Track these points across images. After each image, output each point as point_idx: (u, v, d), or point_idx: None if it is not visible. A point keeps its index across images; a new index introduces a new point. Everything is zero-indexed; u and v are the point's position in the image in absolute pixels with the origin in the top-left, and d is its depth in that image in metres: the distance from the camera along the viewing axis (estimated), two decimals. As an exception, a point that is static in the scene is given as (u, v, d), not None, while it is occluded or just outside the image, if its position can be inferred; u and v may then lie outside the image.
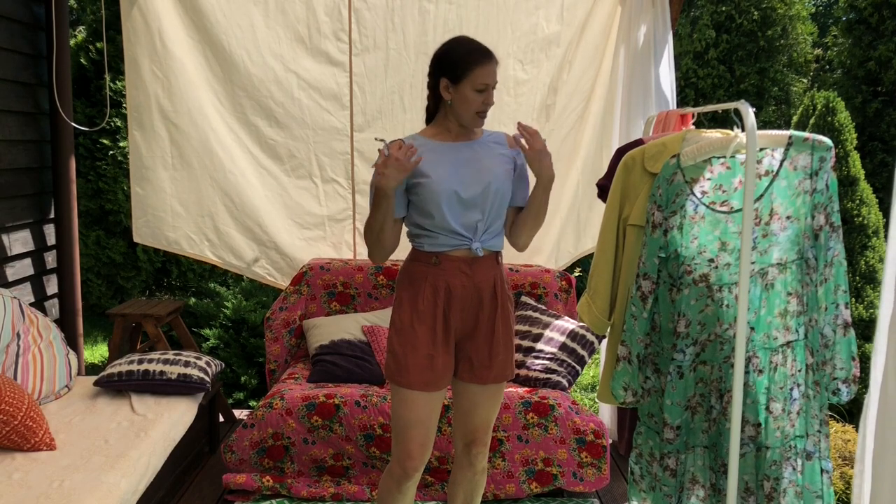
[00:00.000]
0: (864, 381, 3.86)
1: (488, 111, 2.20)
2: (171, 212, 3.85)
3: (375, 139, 2.25)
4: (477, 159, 2.22)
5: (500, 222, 2.27)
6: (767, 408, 2.20)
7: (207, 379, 3.19)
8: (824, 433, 2.25)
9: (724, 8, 7.73)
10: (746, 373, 2.19)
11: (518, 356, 3.45)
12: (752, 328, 2.19)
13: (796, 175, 2.19)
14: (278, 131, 3.88)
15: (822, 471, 2.24)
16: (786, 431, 2.20)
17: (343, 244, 4.06)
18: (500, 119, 3.89)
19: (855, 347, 2.23)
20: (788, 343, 2.21)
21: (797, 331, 2.22)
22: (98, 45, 6.02)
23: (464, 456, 2.39)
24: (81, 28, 6.71)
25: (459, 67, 2.12)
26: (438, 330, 2.21)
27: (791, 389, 2.20)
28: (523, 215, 2.31)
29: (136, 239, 3.89)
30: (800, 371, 2.22)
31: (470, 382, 2.31)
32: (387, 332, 3.14)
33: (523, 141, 2.18)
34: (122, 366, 3.12)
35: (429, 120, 2.30)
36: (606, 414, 3.80)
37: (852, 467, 3.10)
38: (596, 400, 4.47)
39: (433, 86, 2.21)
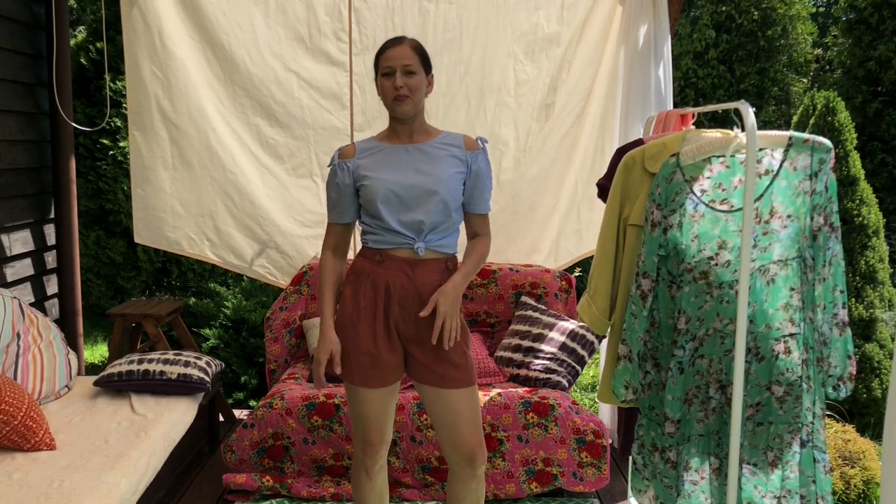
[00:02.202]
0: (864, 380, 3.86)
1: (411, 98, 2.16)
2: (171, 212, 3.86)
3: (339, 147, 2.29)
4: (425, 161, 2.21)
5: (450, 225, 2.24)
6: (768, 388, 2.21)
7: (207, 379, 3.19)
8: (818, 425, 2.26)
9: (724, 8, 7.73)
10: (748, 362, 2.21)
11: (518, 356, 3.45)
12: (752, 321, 2.20)
13: (796, 175, 2.19)
14: (279, 131, 3.89)
15: (814, 460, 2.25)
16: (792, 412, 2.21)
17: None
18: (501, 119, 3.89)
19: (851, 346, 2.24)
20: (792, 335, 2.22)
21: (799, 325, 2.23)
22: (98, 45, 6.02)
23: (465, 470, 2.30)
24: (81, 28, 6.71)
25: (375, 62, 2.22)
26: (379, 328, 2.21)
27: (798, 377, 2.21)
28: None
29: (136, 239, 3.89)
30: (801, 363, 2.23)
31: (427, 385, 2.27)
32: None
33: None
34: (122, 366, 3.12)
35: None
36: (606, 414, 3.80)
37: (852, 467, 3.11)
38: (596, 400, 4.47)
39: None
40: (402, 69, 2.14)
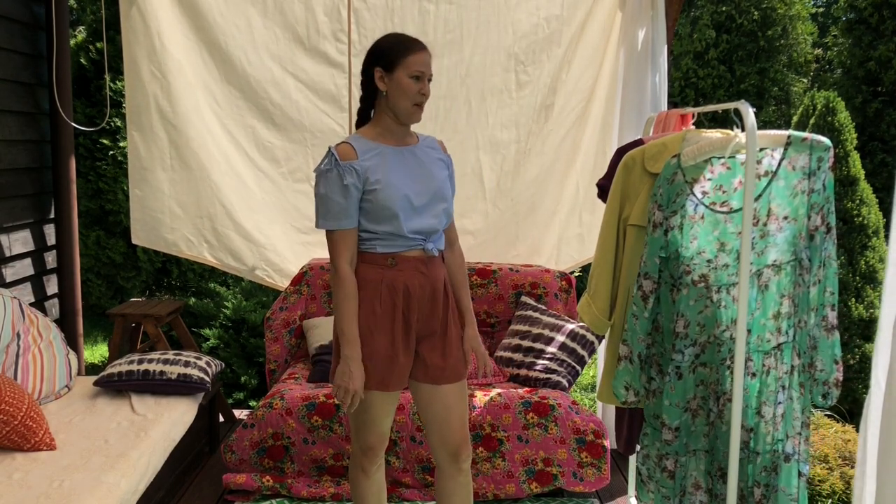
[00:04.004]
0: (864, 380, 3.86)
1: (424, 105, 2.19)
2: (169, 213, 3.81)
3: (330, 147, 2.18)
4: (422, 164, 2.22)
5: (447, 225, 2.30)
6: (759, 412, 2.20)
7: (207, 379, 3.19)
8: (805, 436, 2.23)
9: (724, 8, 7.73)
10: None
11: (518, 356, 3.45)
12: (748, 330, 2.19)
13: (795, 175, 2.18)
14: (276, 133, 3.84)
15: (798, 473, 2.23)
16: (775, 436, 2.20)
17: None
18: (503, 122, 3.87)
19: (839, 350, 2.21)
20: (779, 345, 2.21)
21: (787, 332, 2.21)
22: (98, 45, 6.02)
23: (452, 465, 2.34)
24: (81, 28, 6.71)
25: (393, 54, 2.12)
26: (398, 332, 2.19)
27: (778, 392, 2.20)
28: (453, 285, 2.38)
29: (134, 241, 3.86)
30: (786, 373, 2.22)
31: (426, 383, 2.28)
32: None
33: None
34: (122, 366, 3.12)
35: (361, 122, 2.28)
36: (604, 414, 3.80)
37: (852, 467, 3.10)
38: (596, 400, 4.46)
39: (367, 80, 2.18)
40: (428, 77, 2.16)
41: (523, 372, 3.38)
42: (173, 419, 2.91)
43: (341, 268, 2.14)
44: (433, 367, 2.26)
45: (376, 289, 2.17)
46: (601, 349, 3.62)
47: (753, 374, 2.20)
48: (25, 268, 3.65)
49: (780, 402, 2.20)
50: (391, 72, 2.13)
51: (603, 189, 2.65)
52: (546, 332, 3.48)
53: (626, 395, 2.36)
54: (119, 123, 6.00)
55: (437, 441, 2.32)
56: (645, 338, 2.31)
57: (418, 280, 2.19)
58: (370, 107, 2.24)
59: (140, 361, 3.15)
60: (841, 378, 2.23)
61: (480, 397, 3.13)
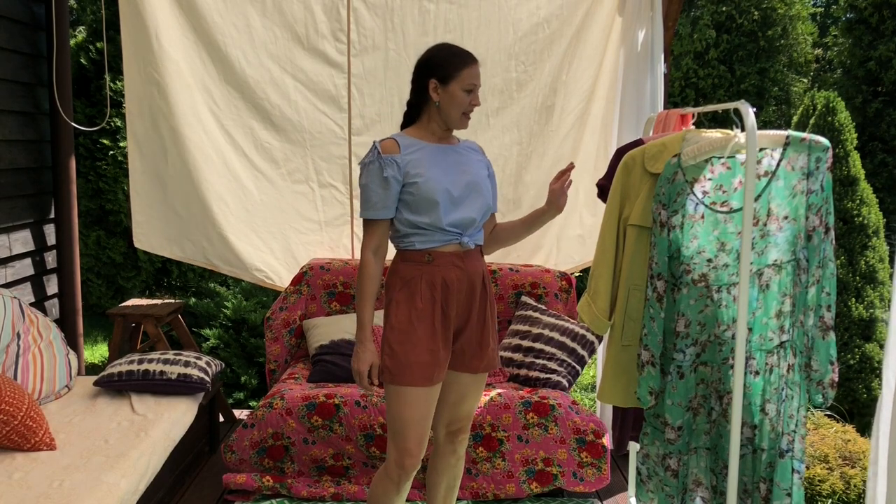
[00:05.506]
0: (864, 380, 3.86)
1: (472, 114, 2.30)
2: (168, 216, 3.79)
3: (374, 141, 2.27)
4: (462, 162, 2.31)
5: (484, 219, 2.37)
6: (763, 409, 2.20)
7: (207, 379, 3.19)
8: (800, 434, 2.24)
9: (724, 8, 7.74)
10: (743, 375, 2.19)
11: (518, 356, 3.45)
12: (750, 329, 2.19)
13: (794, 175, 2.18)
14: (274, 134, 3.82)
15: (792, 470, 2.22)
16: (778, 432, 2.20)
17: (341, 248, 4.03)
18: (504, 123, 3.86)
19: (834, 351, 2.21)
20: (782, 344, 2.21)
21: (789, 331, 2.22)
22: (98, 45, 6.03)
23: (448, 444, 2.48)
24: (81, 28, 6.71)
25: (448, 68, 2.22)
26: (438, 325, 2.25)
27: (782, 389, 2.21)
28: (517, 228, 2.44)
29: (136, 244, 3.84)
30: (787, 372, 2.22)
31: (462, 372, 2.38)
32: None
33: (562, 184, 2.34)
34: (122, 366, 3.12)
35: (406, 124, 2.36)
36: (603, 414, 3.80)
37: (852, 467, 3.10)
38: (596, 400, 4.46)
39: (420, 89, 2.27)
40: (478, 88, 2.26)
41: (523, 372, 3.38)
42: (173, 419, 2.91)
43: (363, 254, 2.26)
44: (471, 357, 2.35)
45: (416, 285, 2.24)
46: (601, 349, 3.62)
47: (756, 373, 2.20)
48: (25, 268, 3.65)
49: (783, 400, 2.20)
50: (446, 84, 2.22)
51: (603, 189, 2.65)
52: (546, 332, 3.48)
53: (651, 400, 2.34)
54: (119, 123, 6.00)
55: (442, 420, 2.44)
56: (662, 339, 2.30)
57: (455, 274, 2.26)
58: (418, 112, 2.32)
59: (140, 361, 3.15)
60: (836, 379, 2.23)
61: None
